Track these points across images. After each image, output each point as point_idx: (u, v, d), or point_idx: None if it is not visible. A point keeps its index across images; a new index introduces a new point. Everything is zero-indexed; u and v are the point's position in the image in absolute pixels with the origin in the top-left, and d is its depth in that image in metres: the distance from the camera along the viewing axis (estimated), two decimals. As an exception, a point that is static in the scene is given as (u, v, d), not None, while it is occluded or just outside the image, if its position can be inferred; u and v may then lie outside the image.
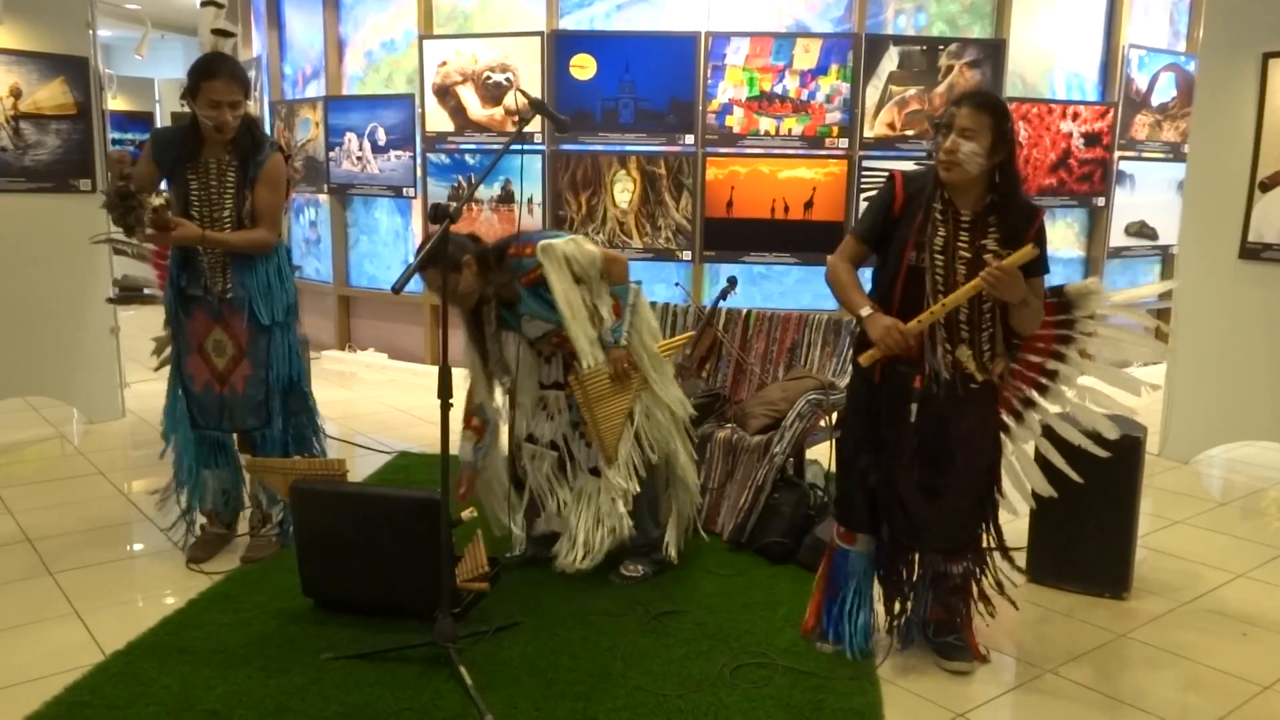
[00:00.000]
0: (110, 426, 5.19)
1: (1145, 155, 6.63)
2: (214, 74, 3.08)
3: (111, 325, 5.27)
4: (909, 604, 2.77)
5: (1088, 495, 3.11)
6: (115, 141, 8.71)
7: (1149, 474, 4.54)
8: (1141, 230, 6.69)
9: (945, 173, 2.46)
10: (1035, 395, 2.71)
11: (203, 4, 3.66)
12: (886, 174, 2.63)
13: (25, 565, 3.33)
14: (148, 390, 5.97)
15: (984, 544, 2.72)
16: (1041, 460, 3.13)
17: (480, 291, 3.04)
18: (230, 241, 3.18)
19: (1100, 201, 6.46)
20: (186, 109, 3.16)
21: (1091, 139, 6.29)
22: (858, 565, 2.74)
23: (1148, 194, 6.66)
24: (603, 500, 3.14)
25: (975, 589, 2.74)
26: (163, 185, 3.24)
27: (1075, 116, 6.22)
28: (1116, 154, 6.41)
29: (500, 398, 3.26)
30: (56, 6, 4.97)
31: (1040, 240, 2.49)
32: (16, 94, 4.83)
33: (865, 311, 2.50)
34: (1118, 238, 6.58)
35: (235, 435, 3.40)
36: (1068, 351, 2.67)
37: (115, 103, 9.99)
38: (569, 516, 3.21)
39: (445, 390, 2.57)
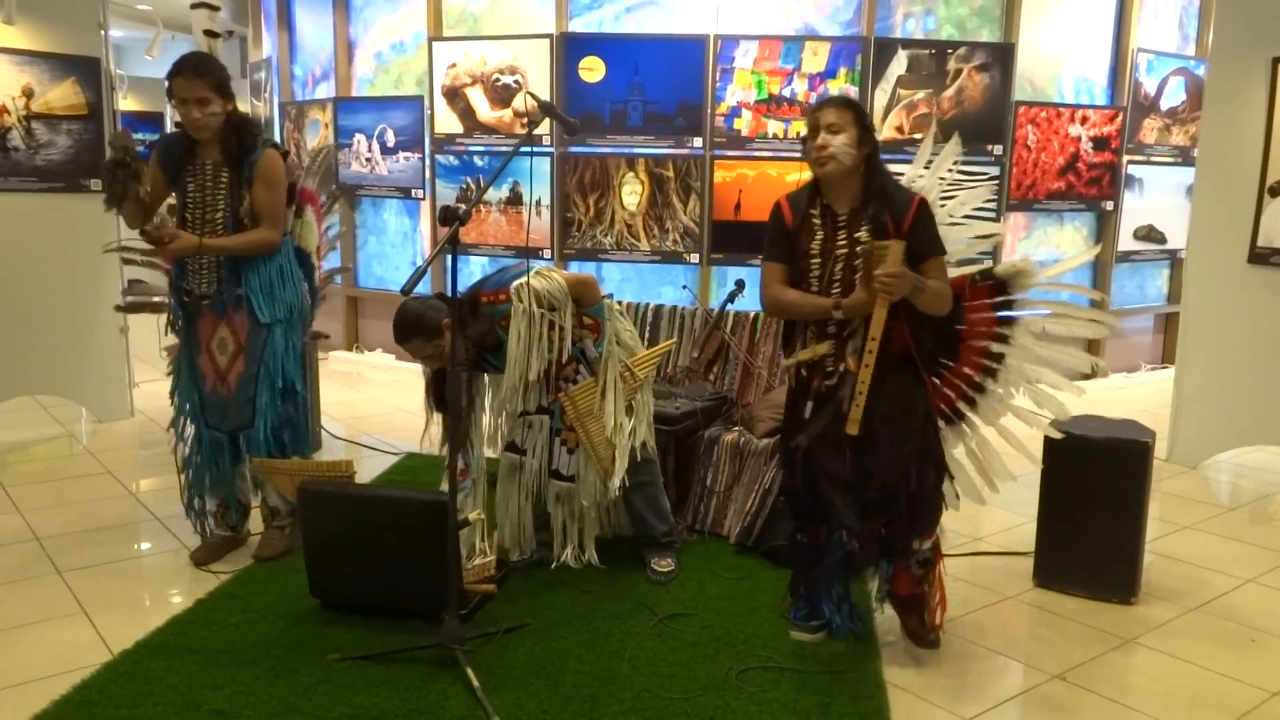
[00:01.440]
0: (118, 426, 5.21)
1: (1154, 159, 6.61)
2: (178, 72, 3.08)
3: (121, 325, 5.29)
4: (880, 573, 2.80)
5: (1095, 499, 3.12)
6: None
7: (1157, 479, 4.53)
8: (1150, 234, 6.67)
9: (821, 168, 2.56)
10: (986, 380, 2.73)
11: (193, 5, 3.68)
12: (775, 202, 2.74)
13: (34, 564, 3.34)
14: (156, 390, 5.99)
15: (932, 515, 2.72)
16: (1055, 466, 3.15)
17: (464, 346, 3.06)
18: (230, 246, 3.18)
19: (1109, 205, 6.44)
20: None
21: (1100, 143, 6.28)
22: (814, 554, 2.78)
23: (1156, 198, 6.64)
24: (581, 503, 3.23)
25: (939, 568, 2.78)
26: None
27: (1084, 120, 6.20)
28: (1125, 158, 6.40)
29: (479, 438, 3.29)
30: (68, 7, 5.00)
31: (926, 220, 2.56)
32: (29, 94, 4.85)
33: (837, 312, 2.56)
34: (1126, 241, 6.57)
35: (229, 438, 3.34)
36: (1011, 333, 2.70)
37: (126, 103, 10.02)
38: (556, 519, 3.29)
39: (455, 391, 2.57)
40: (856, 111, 2.59)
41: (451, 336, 2.64)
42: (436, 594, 2.64)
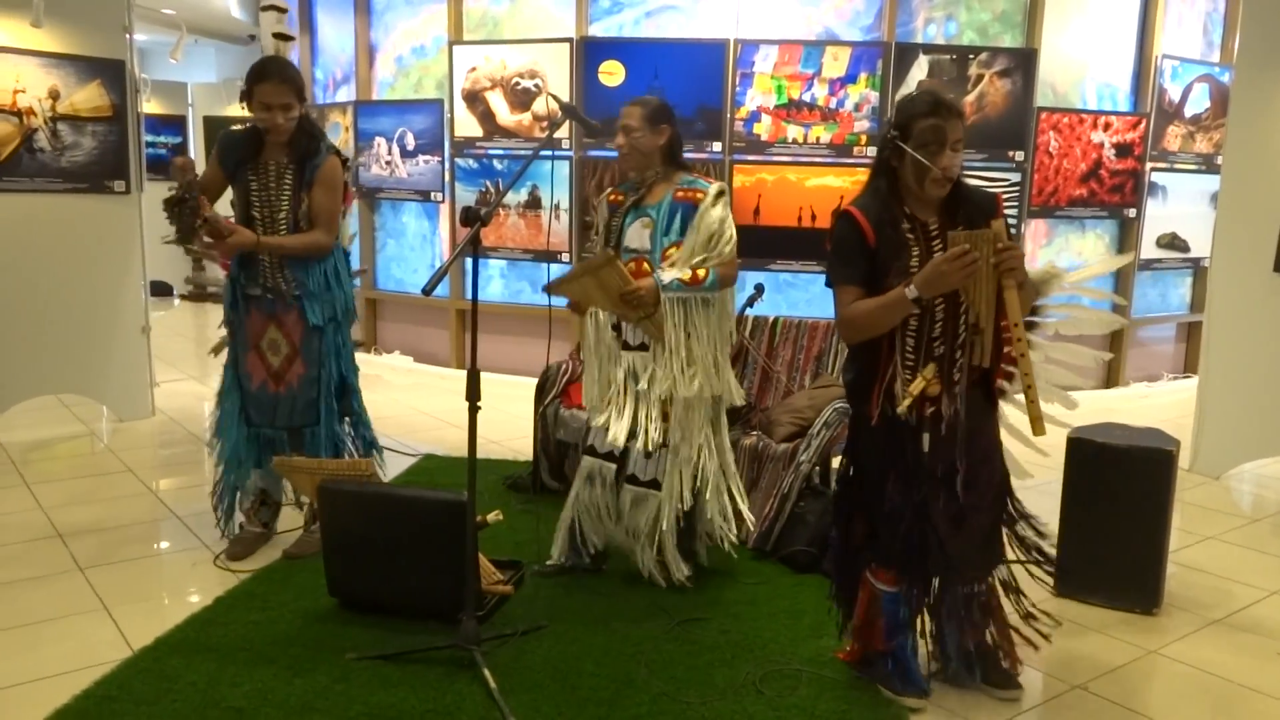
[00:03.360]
0: (139, 425, 5.25)
1: (1178, 167, 6.56)
2: (265, 77, 3.15)
3: (143, 325, 5.33)
4: (946, 633, 2.65)
5: (1118, 509, 3.10)
6: (148, 144, 8.80)
7: (1180, 489, 4.48)
8: (1173, 242, 6.62)
9: (940, 190, 2.37)
10: (1004, 384, 2.56)
11: (263, 8, 3.72)
12: (841, 212, 2.48)
13: (56, 561, 3.36)
14: (176, 390, 6.05)
15: (1005, 555, 2.65)
16: (1077, 474, 3.12)
17: (641, 163, 3.11)
18: (286, 245, 3.25)
19: (1131, 213, 6.40)
20: (221, 112, 3.22)
21: (1123, 150, 6.24)
22: (905, 607, 2.56)
23: (1180, 206, 6.59)
24: (659, 510, 3.12)
25: (1004, 605, 2.67)
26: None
27: (1107, 127, 6.16)
28: (1148, 165, 6.35)
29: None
30: (94, 11, 5.05)
31: (1006, 221, 2.43)
32: (55, 96, 4.90)
33: (910, 290, 2.28)
34: (1149, 250, 6.52)
35: (286, 434, 3.42)
36: (1031, 336, 2.58)
37: (149, 106, 10.10)
38: (625, 526, 3.20)
39: (474, 393, 2.58)
40: (963, 118, 2.37)
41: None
42: (454, 594, 2.64)
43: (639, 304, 2.94)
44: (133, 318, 5.28)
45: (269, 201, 3.27)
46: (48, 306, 4.96)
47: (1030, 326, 2.62)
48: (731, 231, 3.05)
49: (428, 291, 2.39)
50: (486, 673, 2.49)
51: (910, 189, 2.41)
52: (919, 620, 2.63)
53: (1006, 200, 5.98)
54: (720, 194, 3.06)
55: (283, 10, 3.49)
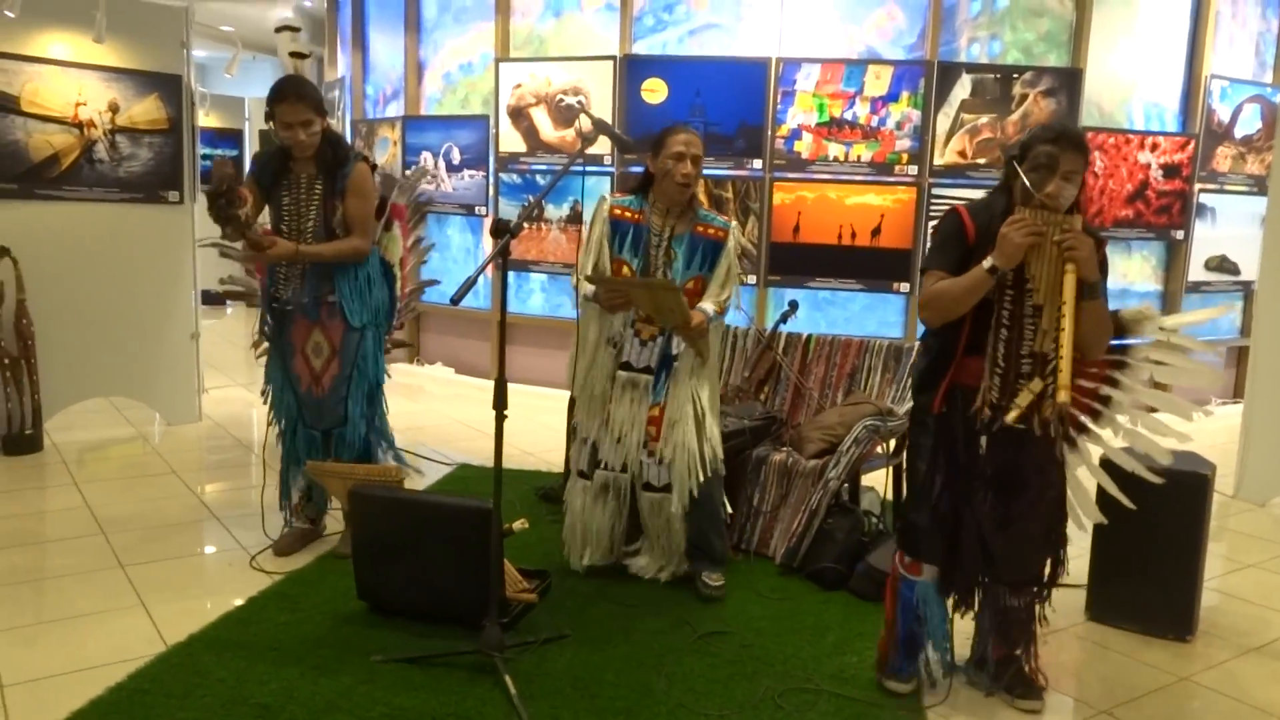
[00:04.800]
0: (187, 429, 5.38)
1: (1228, 188, 6.45)
2: (282, 97, 3.26)
3: (192, 331, 5.46)
4: (980, 640, 2.71)
5: (1152, 533, 3.05)
6: (205, 156, 9.04)
7: (1223, 515, 4.41)
8: (1222, 265, 6.50)
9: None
10: (1089, 422, 2.64)
11: (278, 29, 3.84)
12: (949, 208, 2.56)
13: (99, 557, 3.46)
14: (224, 396, 6.19)
15: (1049, 577, 2.65)
16: (1108, 495, 3.07)
17: (687, 194, 3.20)
18: (324, 253, 3.35)
19: (1179, 234, 6.30)
20: (272, 127, 3.34)
21: (1170, 170, 6.15)
22: (927, 596, 2.65)
23: (1230, 228, 6.47)
24: (669, 514, 3.22)
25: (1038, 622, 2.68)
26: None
27: (1154, 147, 6.09)
28: (1197, 186, 6.26)
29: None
30: (154, 27, 5.21)
31: (1105, 263, 2.46)
32: (114, 109, 5.07)
33: (986, 262, 2.35)
34: (1197, 272, 6.41)
35: (321, 436, 3.52)
36: (1121, 377, 2.61)
37: (208, 119, 10.38)
38: (648, 532, 3.32)
39: (501, 403, 2.62)
40: (1088, 157, 2.40)
41: None
42: (479, 600, 2.68)
43: (700, 335, 3.12)
44: (183, 324, 5.42)
45: (297, 213, 3.37)
46: (102, 311, 5.11)
47: (1121, 366, 2.62)
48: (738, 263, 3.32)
49: (456, 301, 2.44)
50: (508, 679, 2.52)
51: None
52: (951, 623, 2.68)
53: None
54: (737, 232, 3.29)
55: (297, 30, 3.60)
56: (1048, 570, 2.64)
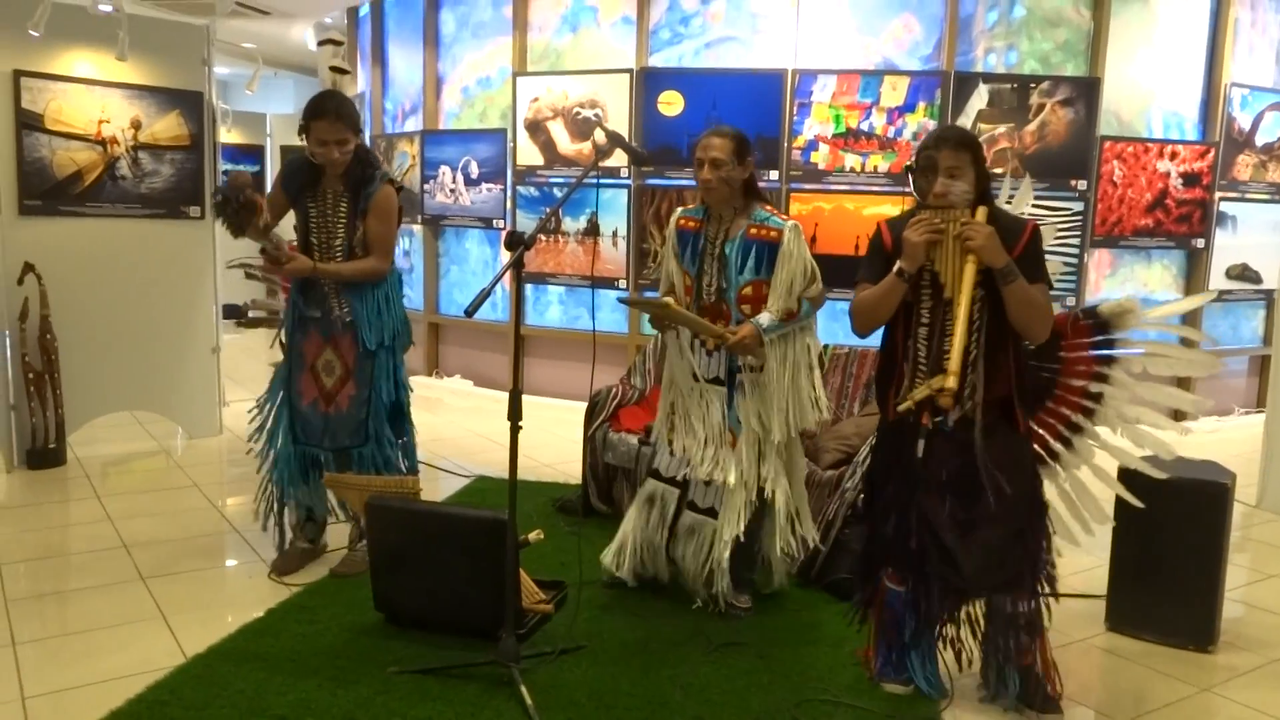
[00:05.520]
0: (208, 442, 5.43)
1: (1249, 196, 6.41)
2: (321, 114, 3.24)
3: (213, 345, 5.52)
4: (994, 652, 2.66)
5: (1172, 543, 3.03)
6: (226, 172, 9.14)
7: (1246, 526, 4.37)
8: (1244, 273, 6.45)
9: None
10: (1082, 420, 2.65)
11: (320, 43, 3.86)
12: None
13: (121, 570, 3.50)
14: (245, 409, 6.22)
15: (1045, 579, 2.63)
16: (1126, 504, 3.05)
17: (723, 197, 3.09)
18: (342, 272, 3.35)
19: (1199, 243, 6.25)
20: (299, 141, 3.34)
21: (1190, 179, 6.11)
22: (910, 605, 2.67)
23: (1252, 236, 6.42)
24: (713, 541, 3.14)
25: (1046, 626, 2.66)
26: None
27: (1173, 156, 6.05)
28: (1217, 194, 6.21)
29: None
30: (176, 44, 5.29)
31: (1036, 248, 2.49)
32: (137, 125, 5.14)
33: (896, 266, 2.48)
34: (1218, 280, 6.36)
35: (333, 455, 3.48)
36: (1111, 372, 2.62)
37: (230, 135, 10.49)
38: (678, 553, 3.25)
39: (515, 414, 2.63)
40: (974, 151, 2.48)
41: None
42: (496, 611, 2.69)
43: (745, 350, 3.02)
44: (204, 338, 5.48)
45: (326, 228, 3.37)
46: (124, 326, 5.18)
47: (1110, 361, 2.64)
48: (813, 264, 3.08)
49: (470, 313, 2.46)
50: (523, 690, 2.53)
51: None
52: (938, 627, 2.69)
53: (1068, 229, 5.93)
54: (797, 230, 3.07)
55: (339, 44, 3.61)
56: (1032, 570, 2.58)
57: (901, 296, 2.51)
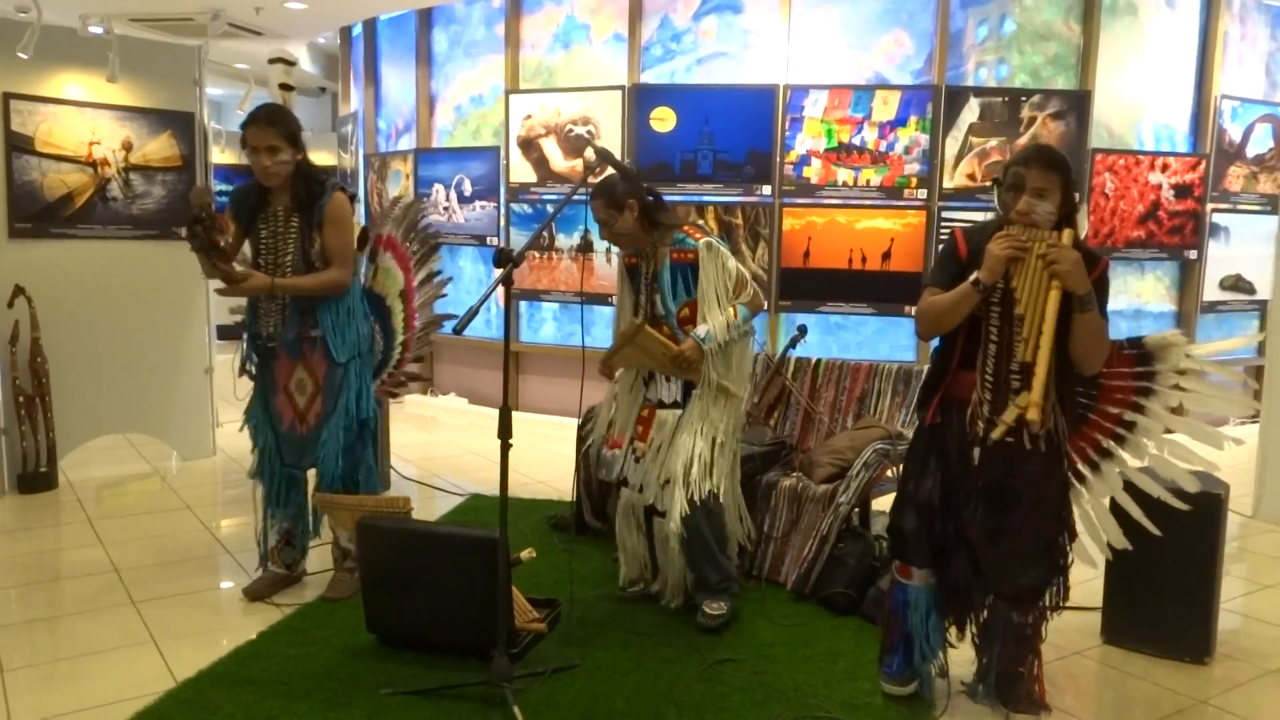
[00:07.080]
0: (201, 464, 5.40)
1: (1241, 207, 6.42)
2: (252, 120, 3.23)
3: (206, 366, 5.50)
4: (984, 655, 2.71)
5: (1166, 554, 3.01)
6: (220, 192, 9.14)
7: (1242, 536, 4.36)
8: (1237, 284, 6.46)
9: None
10: (1113, 446, 2.65)
11: (271, 60, 3.86)
12: (949, 231, 2.63)
13: (111, 594, 3.47)
14: (238, 430, 6.21)
15: (1053, 598, 2.64)
16: (1122, 514, 3.04)
17: (635, 240, 3.25)
18: (301, 286, 3.29)
19: (1192, 254, 6.26)
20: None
21: (1182, 190, 6.13)
22: (919, 600, 2.69)
23: (1244, 247, 6.43)
24: (670, 542, 3.22)
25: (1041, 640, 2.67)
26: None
27: (1165, 168, 6.07)
28: (1209, 206, 6.23)
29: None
30: (167, 66, 5.30)
31: (1106, 281, 2.48)
32: (128, 147, 5.14)
33: (973, 276, 2.43)
34: (1211, 291, 6.37)
35: (306, 473, 3.47)
36: (1147, 404, 2.63)
37: (223, 156, 10.50)
38: (661, 559, 3.34)
39: (505, 431, 2.62)
40: (1063, 174, 2.44)
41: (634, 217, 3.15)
42: (488, 630, 2.67)
43: (689, 364, 3.12)
44: (197, 359, 5.46)
45: (275, 246, 3.31)
46: (116, 348, 5.16)
47: (1148, 393, 2.64)
48: (737, 268, 3.20)
49: (459, 330, 2.46)
50: (516, 710, 2.51)
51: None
52: (943, 628, 2.71)
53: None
54: (710, 247, 3.17)
55: (291, 63, 3.62)
56: (1048, 585, 2.61)
57: (972, 307, 2.46)
